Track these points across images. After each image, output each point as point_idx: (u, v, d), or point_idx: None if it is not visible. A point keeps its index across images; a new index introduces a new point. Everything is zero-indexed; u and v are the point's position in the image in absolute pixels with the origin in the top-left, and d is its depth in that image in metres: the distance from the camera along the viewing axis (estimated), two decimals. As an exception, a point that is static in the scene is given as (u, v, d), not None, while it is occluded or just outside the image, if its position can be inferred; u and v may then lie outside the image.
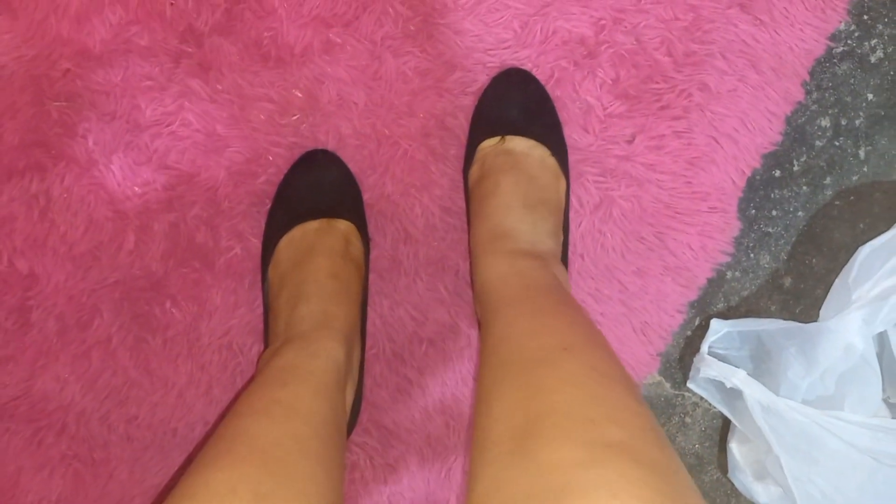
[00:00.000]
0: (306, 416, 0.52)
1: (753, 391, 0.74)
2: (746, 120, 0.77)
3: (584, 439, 0.36)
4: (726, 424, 0.88)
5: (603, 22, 0.73)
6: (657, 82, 0.75)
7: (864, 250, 0.76)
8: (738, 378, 0.75)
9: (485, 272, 0.60)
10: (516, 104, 0.73)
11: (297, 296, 0.66)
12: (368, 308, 0.77)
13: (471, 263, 0.67)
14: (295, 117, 0.71)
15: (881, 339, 0.79)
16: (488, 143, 0.71)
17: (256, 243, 0.74)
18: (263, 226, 0.73)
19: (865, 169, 0.83)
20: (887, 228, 0.77)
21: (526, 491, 0.35)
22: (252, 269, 0.75)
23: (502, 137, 0.71)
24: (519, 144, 0.71)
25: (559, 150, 0.73)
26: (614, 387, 0.42)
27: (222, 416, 0.54)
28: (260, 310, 0.75)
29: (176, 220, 0.72)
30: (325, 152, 0.72)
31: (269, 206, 0.72)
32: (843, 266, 0.82)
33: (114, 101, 0.68)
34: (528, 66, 0.73)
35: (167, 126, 0.69)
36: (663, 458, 0.37)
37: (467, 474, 0.42)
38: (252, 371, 0.77)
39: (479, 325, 0.66)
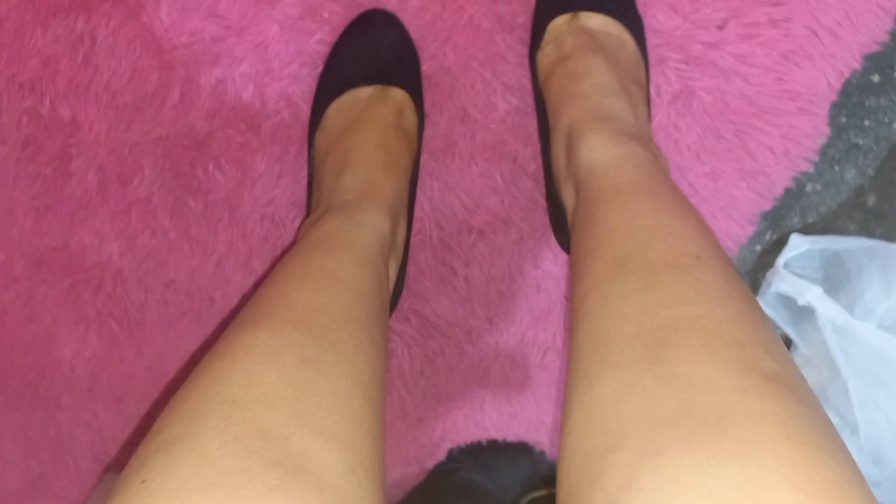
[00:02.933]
0: (350, 285, 0.48)
1: (828, 309, 0.69)
2: (852, 13, 0.69)
3: (736, 363, 0.32)
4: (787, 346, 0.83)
5: None
6: (759, -41, 0.67)
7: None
8: (813, 294, 0.70)
9: (590, 153, 0.53)
10: None
11: (343, 164, 0.62)
12: (418, 190, 0.73)
13: (557, 149, 0.61)
14: (355, -29, 0.66)
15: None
16: (561, 21, 0.65)
17: (306, 109, 0.70)
18: (314, 89, 0.68)
19: (978, 81, 0.74)
20: None
21: (672, 405, 0.30)
22: (299, 138, 0.71)
23: (575, 14, 0.65)
24: (595, 21, 0.64)
25: (637, 27, 0.66)
26: (755, 309, 0.37)
27: (259, 283, 0.51)
28: (305, 181, 0.72)
29: (223, 75, 0.68)
30: (384, 13, 0.66)
31: (320, 69, 0.68)
32: (936, 188, 0.75)
33: (164, -64, 0.63)
34: (615, -69, 0.66)
35: (219, -30, 0.65)
36: (817, 400, 0.33)
37: (572, 370, 0.37)
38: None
39: (563, 221, 0.61)
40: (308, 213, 0.67)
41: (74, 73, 0.66)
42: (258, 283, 0.75)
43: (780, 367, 0.33)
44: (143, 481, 0.30)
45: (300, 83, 0.69)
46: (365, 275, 0.50)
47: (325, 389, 0.36)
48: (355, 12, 0.67)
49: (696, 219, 0.45)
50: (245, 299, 0.76)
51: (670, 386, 0.31)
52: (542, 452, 0.86)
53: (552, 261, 0.78)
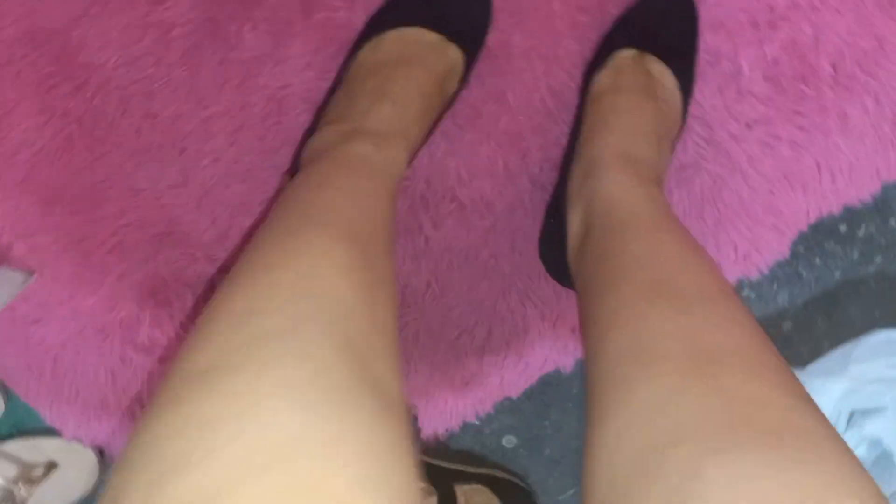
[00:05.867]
0: (389, 217, 0.50)
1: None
2: (856, 167, 0.76)
3: (780, 385, 0.34)
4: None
5: (800, 1, 0.69)
6: (808, 86, 0.72)
7: (880, 336, 0.77)
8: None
9: (611, 186, 0.56)
10: (671, 26, 0.69)
11: (384, 92, 0.62)
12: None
13: (576, 174, 0.63)
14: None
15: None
16: (628, 54, 0.67)
17: (360, 17, 0.68)
18: (380, 6, 0.67)
19: (916, 268, 0.84)
20: (903, 327, 0.78)
21: (726, 414, 0.32)
22: (343, 42, 0.69)
23: (642, 53, 0.67)
24: (657, 69, 0.67)
25: (688, 89, 0.70)
26: (772, 343, 0.40)
27: (296, 184, 0.50)
28: (328, 84, 0.71)
29: (302, -52, 0.65)
30: None
31: (396, -11, 0.67)
32: (842, 338, 0.84)
33: None
34: (710, 0, 0.69)
35: None
36: None
37: (607, 376, 0.38)
38: (286, 138, 0.73)
39: (553, 239, 0.63)
40: (321, 119, 0.66)
41: None
42: (235, 166, 0.73)
43: (803, 390, 0.36)
44: (258, 370, 0.29)
45: (370, -8, 0.67)
46: (393, 211, 0.52)
47: (385, 313, 0.38)
48: (454, -46, 0.66)
49: (711, 258, 0.49)
50: (216, 165, 0.74)
51: (721, 398, 0.33)
52: (416, 419, 0.90)
53: (508, 259, 0.80)
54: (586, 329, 0.45)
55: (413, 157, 0.66)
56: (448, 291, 0.82)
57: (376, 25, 0.66)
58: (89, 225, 0.74)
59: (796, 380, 0.36)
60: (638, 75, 0.66)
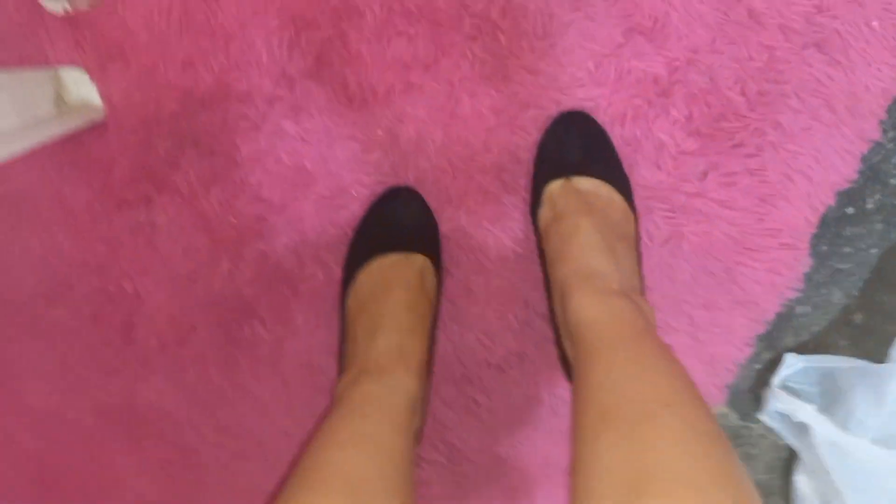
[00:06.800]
0: (389, 451, 0.55)
1: (821, 427, 0.75)
2: (820, 158, 0.78)
3: (700, 497, 0.39)
4: (793, 456, 0.89)
5: (676, 63, 0.75)
6: (730, 121, 0.76)
7: (939, 293, 0.75)
8: (806, 413, 0.76)
9: (578, 312, 0.61)
10: (577, 145, 0.75)
11: (376, 326, 0.70)
12: (441, 332, 0.81)
13: (556, 303, 0.69)
14: (377, 155, 0.76)
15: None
16: (555, 185, 0.74)
17: (338, 271, 0.79)
18: (345, 255, 0.77)
19: (944, 207, 0.82)
20: (965, 270, 0.76)
21: None
22: (333, 295, 0.79)
23: (568, 178, 0.73)
24: (585, 184, 0.73)
25: (624, 186, 0.75)
26: (714, 448, 0.43)
27: (309, 439, 0.58)
28: (338, 333, 0.80)
29: (265, 247, 0.77)
30: (407, 189, 0.76)
31: (351, 238, 0.77)
32: (918, 304, 0.81)
33: (214, 139, 0.74)
34: (602, 105, 0.76)
35: (260, 162, 0.75)
36: None
37: None
38: (328, 388, 0.82)
39: (569, 361, 0.68)
40: (341, 366, 0.75)
41: (137, 255, 0.76)
42: (307, 435, 0.83)
43: (731, 500, 0.39)
44: None
45: (332, 250, 0.78)
46: (399, 440, 0.58)
47: None
48: (380, 188, 0.76)
49: (667, 365, 0.52)
50: (289, 440, 0.84)
51: None
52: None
53: (564, 387, 0.85)
54: (570, 464, 0.50)
55: (429, 364, 0.73)
56: (532, 442, 0.86)
57: (349, 272, 0.76)
58: (216, 538, 0.85)
59: (713, 490, 0.40)
60: (570, 199, 0.72)
